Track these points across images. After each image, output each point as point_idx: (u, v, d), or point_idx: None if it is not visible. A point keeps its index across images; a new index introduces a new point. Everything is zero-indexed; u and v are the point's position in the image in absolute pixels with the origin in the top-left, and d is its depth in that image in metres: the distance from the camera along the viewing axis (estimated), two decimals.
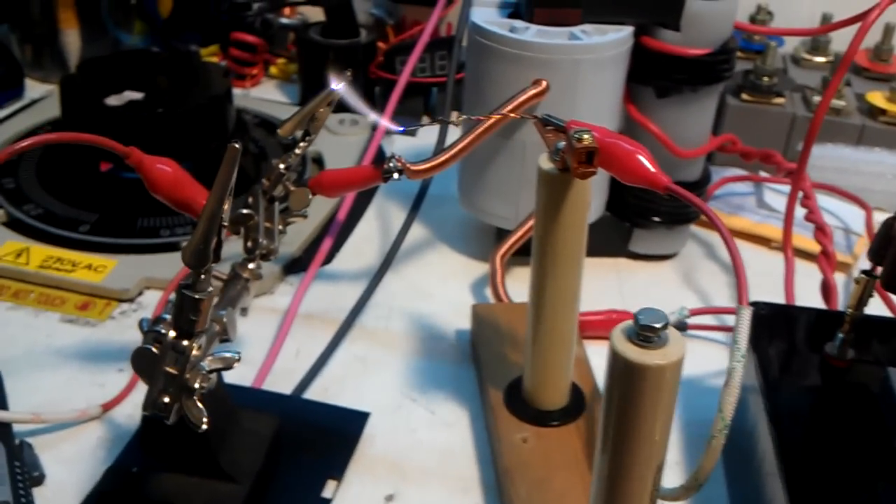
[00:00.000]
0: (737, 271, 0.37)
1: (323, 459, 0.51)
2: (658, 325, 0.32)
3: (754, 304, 0.52)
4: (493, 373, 0.55)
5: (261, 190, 0.49)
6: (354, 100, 0.48)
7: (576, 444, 0.50)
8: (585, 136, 0.41)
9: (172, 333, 0.37)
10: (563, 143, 0.43)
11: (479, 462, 0.52)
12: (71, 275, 0.63)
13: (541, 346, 0.50)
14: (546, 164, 0.45)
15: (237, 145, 0.34)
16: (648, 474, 0.35)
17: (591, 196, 0.46)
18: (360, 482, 0.51)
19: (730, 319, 0.63)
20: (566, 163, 0.43)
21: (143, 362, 0.37)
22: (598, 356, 0.59)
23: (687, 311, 0.61)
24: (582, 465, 0.49)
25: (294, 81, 0.95)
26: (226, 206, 0.35)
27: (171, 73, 0.76)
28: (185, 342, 0.37)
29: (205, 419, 0.37)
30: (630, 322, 0.33)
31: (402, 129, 0.50)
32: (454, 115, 0.53)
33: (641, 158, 0.41)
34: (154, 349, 0.37)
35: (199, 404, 0.37)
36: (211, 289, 0.37)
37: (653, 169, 0.41)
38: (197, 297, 0.36)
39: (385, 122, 0.51)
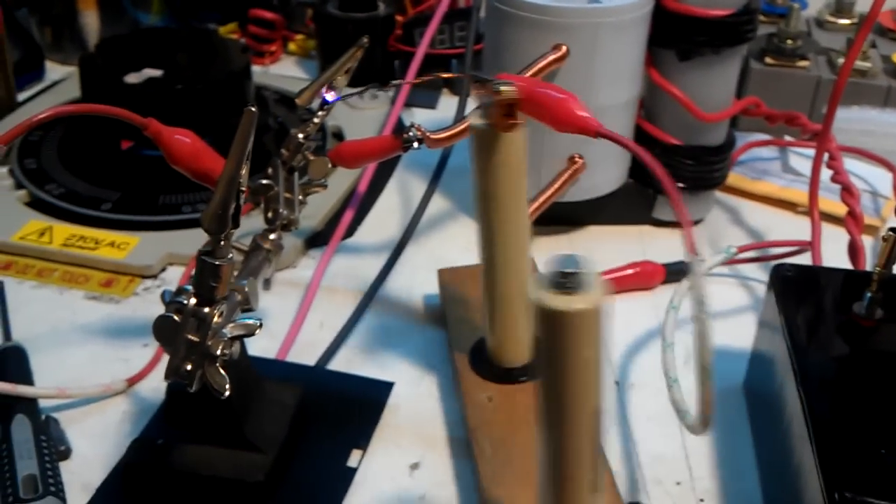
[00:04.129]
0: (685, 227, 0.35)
1: (348, 429, 0.51)
2: (572, 271, 0.30)
3: (779, 266, 0.51)
4: (458, 335, 0.55)
5: (280, 161, 0.49)
6: None
7: None
8: (505, 88, 0.40)
9: (193, 301, 0.37)
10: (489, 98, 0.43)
11: None
12: (94, 252, 0.63)
13: (497, 304, 0.50)
14: (476, 120, 0.45)
15: (253, 109, 0.34)
16: (587, 422, 0.33)
17: (526, 152, 0.46)
18: (386, 451, 0.50)
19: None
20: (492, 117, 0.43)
21: (164, 331, 0.37)
22: (624, 311, 0.60)
23: (734, 250, 0.59)
24: None
25: (313, 57, 0.95)
26: (243, 171, 0.35)
27: (190, 51, 0.76)
28: (206, 309, 0.37)
29: (227, 385, 0.37)
30: (548, 271, 0.31)
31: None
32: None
33: (571, 104, 0.40)
34: (176, 317, 0.37)
35: (222, 371, 0.37)
36: (231, 255, 0.36)
37: (583, 113, 0.40)
38: (217, 262, 0.36)
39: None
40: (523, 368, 0.52)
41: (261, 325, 0.38)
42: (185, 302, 0.37)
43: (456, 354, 0.54)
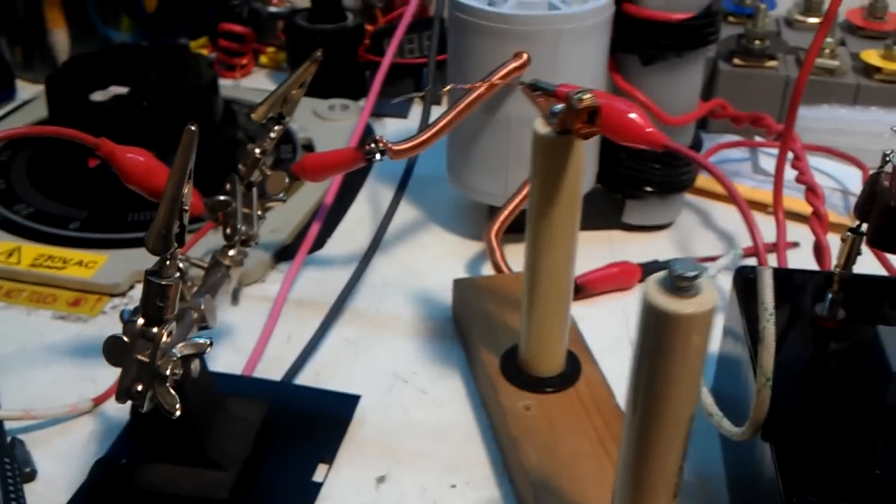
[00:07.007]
0: (751, 232, 0.36)
1: (313, 443, 0.51)
2: (692, 275, 0.32)
3: (742, 269, 0.51)
4: (485, 344, 0.55)
5: (238, 176, 0.49)
6: None
7: (578, 409, 0.50)
8: (587, 97, 0.41)
9: (141, 321, 0.37)
10: (559, 107, 0.43)
11: (472, 439, 0.52)
12: (62, 272, 0.63)
13: (538, 314, 0.50)
14: (542, 128, 0.45)
15: (193, 127, 0.34)
16: (682, 425, 0.35)
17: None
18: (352, 465, 0.50)
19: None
20: (565, 125, 0.43)
21: (114, 351, 0.37)
22: (594, 315, 0.60)
23: (741, 251, 0.58)
24: (587, 428, 0.49)
25: (285, 70, 0.94)
26: (186, 190, 0.34)
27: (159, 67, 0.76)
28: (155, 329, 0.36)
29: (178, 406, 0.37)
30: (664, 272, 0.33)
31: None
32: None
33: (635, 117, 0.41)
34: (125, 338, 0.37)
35: (172, 391, 0.37)
36: (178, 274, 0.36)
37: (648, 128, 0.40)
38: (164, 283, 0.36)
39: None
40: (557, 378, 0.52)
41: (211, 345, 0.38)
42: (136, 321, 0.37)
43: (485, 364, 0.54)
